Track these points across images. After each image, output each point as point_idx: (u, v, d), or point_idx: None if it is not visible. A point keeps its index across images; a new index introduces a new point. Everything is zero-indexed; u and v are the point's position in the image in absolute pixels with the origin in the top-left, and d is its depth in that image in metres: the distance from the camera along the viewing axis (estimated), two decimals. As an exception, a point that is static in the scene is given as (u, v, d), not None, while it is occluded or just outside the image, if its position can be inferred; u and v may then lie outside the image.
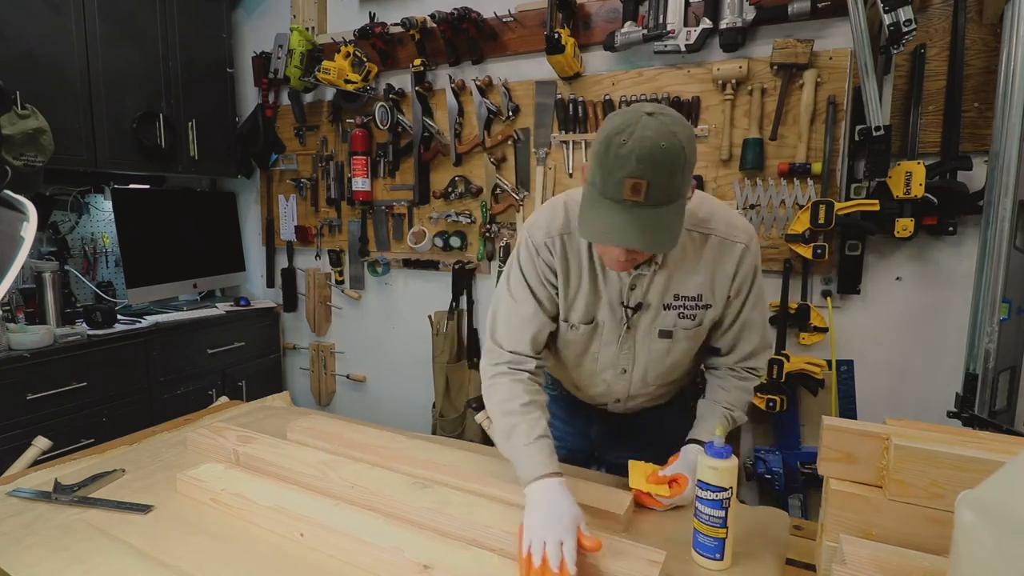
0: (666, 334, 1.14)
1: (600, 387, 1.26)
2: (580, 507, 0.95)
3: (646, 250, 0.97)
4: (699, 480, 0.92)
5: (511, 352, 1.16)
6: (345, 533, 0.96)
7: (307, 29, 2.82)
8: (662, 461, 1.16)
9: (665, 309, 1.12)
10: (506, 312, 1.18)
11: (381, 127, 2.68)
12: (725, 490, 0.90)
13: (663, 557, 0.88)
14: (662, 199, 0.90)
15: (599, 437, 1.40)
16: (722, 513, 0.90)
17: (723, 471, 0.90)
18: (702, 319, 1.13)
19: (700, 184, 2.15)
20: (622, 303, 1.12)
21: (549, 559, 0.86)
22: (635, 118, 0.89)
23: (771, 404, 2.06)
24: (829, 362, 2.06)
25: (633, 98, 2.20)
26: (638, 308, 1.12)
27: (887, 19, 1.59)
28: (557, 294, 1.15)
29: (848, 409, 2.10)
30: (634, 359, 1.19)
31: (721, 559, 0.92)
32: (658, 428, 1.33)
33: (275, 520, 1.02)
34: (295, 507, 1.03)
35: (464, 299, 2.70)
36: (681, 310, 1.12)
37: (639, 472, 1.12)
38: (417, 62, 2.55)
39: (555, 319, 1.18)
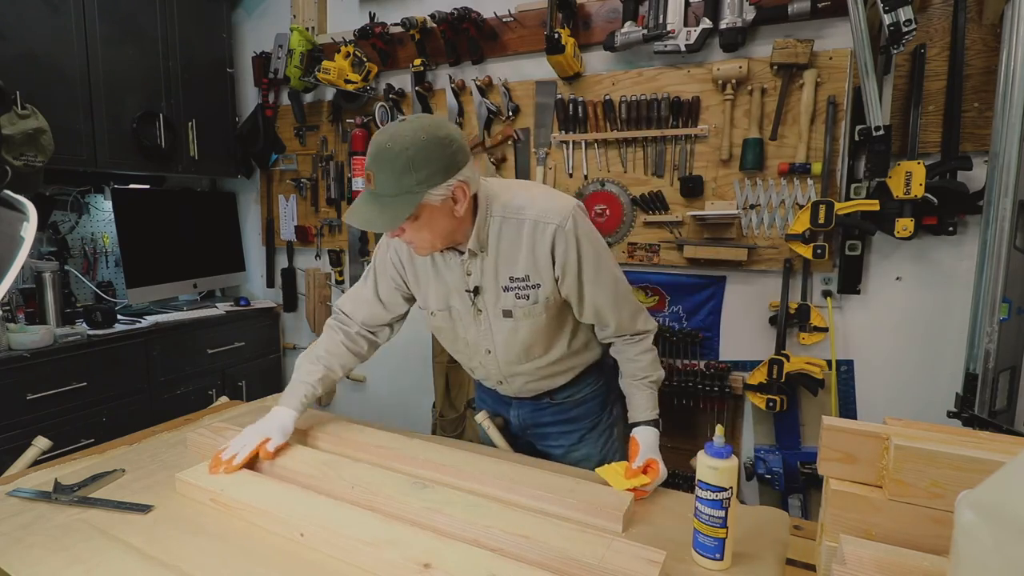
0: (508, 313, 1.28)
1: (480, 369, 1.44)
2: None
3: (361, 227, 1.18)
4: (699, 480, 0.92)
5: (346, 313, 1.45)
6: (345, 533, 0.96)
7: (307, 29, 2.82)
8: (583, 441, 1.45)
9: (505, 291, 1.26)
10: (356, 288, 1.45)
11: (381, 127, 2.68)
12: (725, 490, 0.90)
13: (663, 557, 0.88)
14: (390, 191, 1.09)
15: (520, 421, 1.51)
16: (722, 513, 0.90)
17: (723, 471, 0.90)
18: (536, 298, 1.25)
19: (700, 184, 2.15)
20: (466, 290, 1.28)
21: (237, 448, 1.19)
22: (395, 124, 1.10)
23: (771, 404, 2.07)
24: (829, 362, 2.06)
25: (633, 98, 2.20)
26: (477, 292, 1.28)
27: (887, 19, 1.59)
28: (405, 284, 1.38)
29: (848, 409, 2.10)
30: (492, 339, 1.33)
31: (721, 559, 0.92)
32: (571, 411, 1.48)
33: (275, 520, 1.02)
34: (295, 507, 1.03)
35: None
36: (516, 291, 1.26)
37: (614, 473, 1.17)
38: (417, 62, 2.55)
39: (395, 308, 1.42)
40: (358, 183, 2.75)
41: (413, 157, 1.07)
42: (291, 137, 3.01)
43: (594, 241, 1.25)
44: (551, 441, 1.50)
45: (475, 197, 1.21)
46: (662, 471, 1.19)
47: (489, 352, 1.36)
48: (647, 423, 1.30)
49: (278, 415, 1.28)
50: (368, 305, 1.43)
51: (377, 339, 1.48)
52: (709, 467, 0.91)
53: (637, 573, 0.86)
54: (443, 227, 1.18)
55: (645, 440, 1.26)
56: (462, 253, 1.25)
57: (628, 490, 1.12)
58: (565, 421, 1.47)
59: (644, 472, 1.18)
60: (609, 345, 1.41)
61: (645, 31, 2.10)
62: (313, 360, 1.39)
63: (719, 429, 0.94)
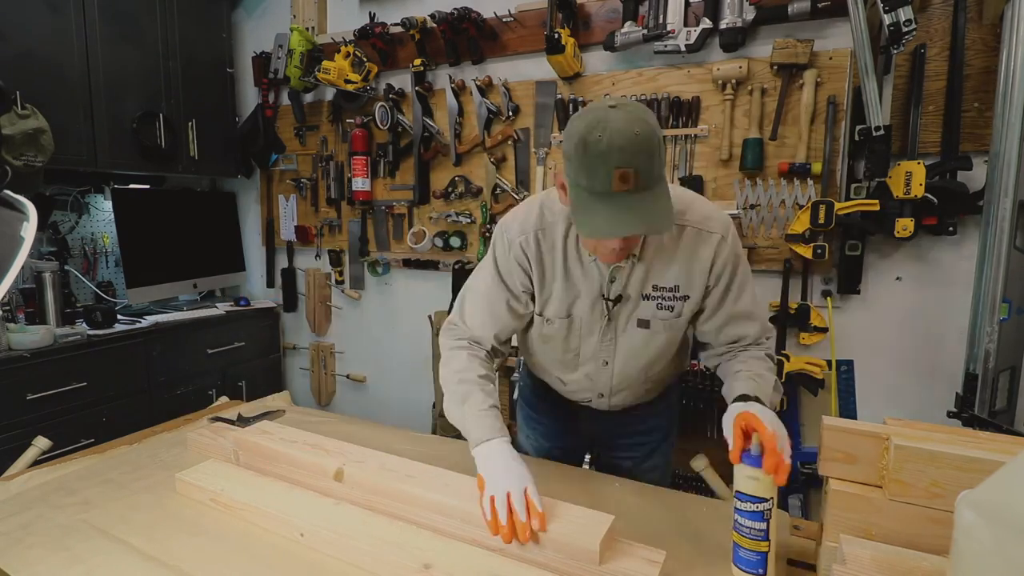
0: (644, 323, 1.16)
1: (583, 381, 1.28)
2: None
3: (652, 233, 1.01)
4: (738, 491, 0.88)
5: (476, 335, 1.22)
6: (345, 533, 0.96)
7: (307, 29, 2.82)
8: (654, 453, 1.34)
9: (644, 299, 1.15)
10: (478, 301, 1.22)
11: (381, 127, 2.68)
12: (766, 501, 0.86)
13: (663, 557, 0.88)
14: (649, 183, 0.93)
15: (590, 433, 1.42)
16: (764, 525, 0.86)
17: (764, 481, 0.85)
18: (680, 310, 1.15)
19: (700, 184, 2.15)
20: (602, 295, 1.15)
21: (515, 507, 0.92)
22: (602, 114, 0.92)
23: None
24: (829, 362, 2.06)
25: (633, 98, 2.21)
26: (618, 300, 1.15)
27: (887, 19, 1.59)
28: (532, 290, 1.19)
29: (848, 409, 2.10)
30: (615, 350, 1.21)
31: (764, 574, 0.87)
32: (648, 422, 1.39)
33: (275, 520, 1.02)
34: (295, 507, 1.03)
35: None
36: (659, 300, 1.14)
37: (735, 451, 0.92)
38: (417, 62, 2.55)
39: (524, 316, 1.23)
40: (358, 183, 2.74)
41: (661, 138, 0.94)
42: (291, 137, 3.01)
43: (744, 255, 1.17)
44: (622, 452, 1.42)
45: None
46: (768, 425, 0.91)
47: (607, 364, 1.23)
48: (740, 399, 1.01)
49: (509, 456, 1.02)
50: (500, 318, 1.21)
51: (503, 354, 1.28)
52: (749, 477, 0.86)
53: (637, 573, 0.86)
54: None
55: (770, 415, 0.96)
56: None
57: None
58: (641, 432, 1.39)
59: (748, 435, 0.91)
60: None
61: (645, 31, 2.10)
62: (478, 382, 1.14)
63: (757, 437, 0.87)
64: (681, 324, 1.17)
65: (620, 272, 1.13)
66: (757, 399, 1.01)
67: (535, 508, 0.92)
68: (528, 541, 0.90)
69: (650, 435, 1.40)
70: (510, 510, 0.92)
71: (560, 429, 1.44)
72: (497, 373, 1.31)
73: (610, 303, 1.15)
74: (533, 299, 1.21)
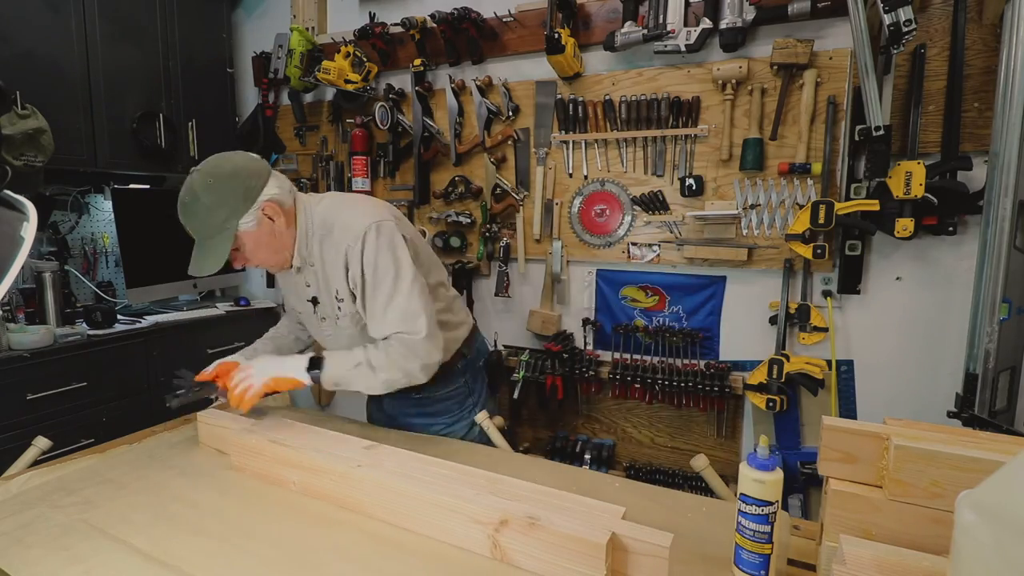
0: (339, 319, 1.42)
1: None
2: None
3: (198, 274, 1.32)
4: (742, 494, 0.87)
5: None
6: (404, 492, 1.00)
7: (307, 29, 2.82)
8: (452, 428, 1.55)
9: (337, 300, 1.39)
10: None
11: (381, 127, 2.68)
12: (771, 504, 0.85)
13: (669, 540, 0.86)
14: (204, 234, 1.30)
15: (390, 409, 1.61)
16: (768, 528, 0.85)
17: (769, 484, 0.84)
18: (346, 310, 1.39)
19: (700, 184, 2.15)
20: (307, 299, 1.46)
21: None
22: (188, 177, 1.29)
23: (771, 404, 2.07)
24: (829, 362, 2.06)
25: (633, 98, 2.20)
26: (315, 302, 1.45)
27: (887, 19, 1.59)
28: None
29: (848, 409, 2.10)
30: (341, 342, 1.46)
31: None
32: (432, 403, 1.55)
33: (324, 473, 1.09)
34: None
35: (464, 299, 2.70)
36: (340, 304, 1.39)
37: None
38: (417, 62, 2.55)
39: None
40: (358, 183, 2.75)
41: (209, 203, 1.26)
42: (291, 137, 3.01)
43: (388, 252, 1.32)
44: (416, 431, 1.54)
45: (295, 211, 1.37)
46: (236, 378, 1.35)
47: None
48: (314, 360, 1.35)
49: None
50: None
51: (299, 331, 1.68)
52: (754, 480, 0.85)
53: (651, 540, 0.85)
54: (274, 243, 1.34)
55: (279, 360, 1.40)
56: (293, 268, 1.42)
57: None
58: (428, 414, 1.56)
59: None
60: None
61: (645, 31, 2.10)
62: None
63: (763, 439, 0.87)
64: (356, 322, 1.40)
65: (309, 277, 1.42)
66: (318, 358, 1.35)
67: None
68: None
69: (436, 417, 1.55)
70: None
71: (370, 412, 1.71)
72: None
73: (310, 303, 1.46)
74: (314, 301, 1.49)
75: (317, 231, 1.36)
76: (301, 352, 1.66)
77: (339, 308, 1.40)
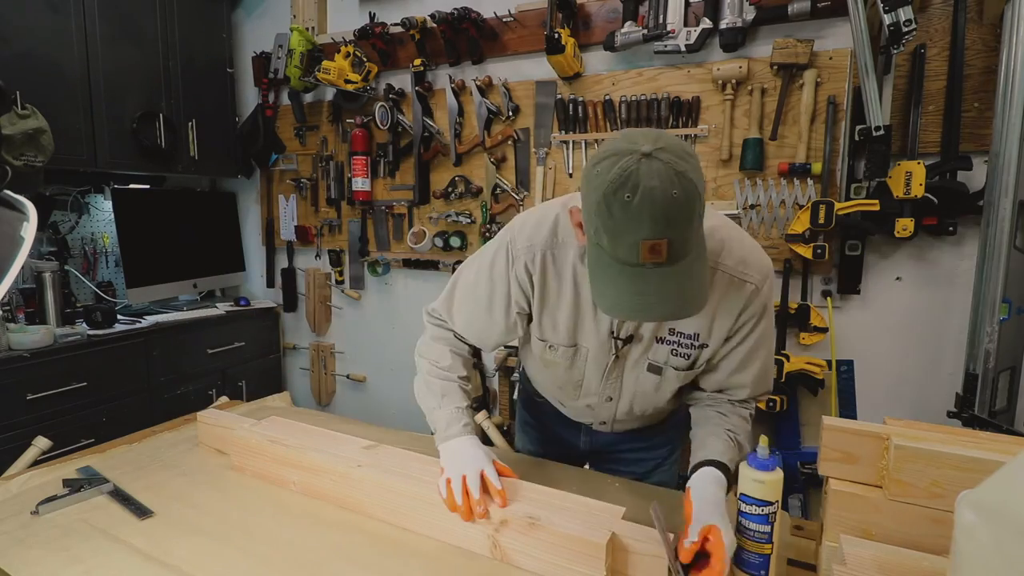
0: (656, 369, 1.07)
1: (583, 410, 1.23)
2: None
3: (679, 318, 0.91)
4: (742, 494, 0.86)
5: (459, 332, 1.18)
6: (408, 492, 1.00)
7: (307, 29, 2.82)
8: (658, 469, 1.27)
9: (658, 342, 1.04)
10: (466, 302, 1.15)
11: (381, 127, 2.68)
12: (771, 504, 0.84)
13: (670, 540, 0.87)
14: (684, 252, 0.79)
15: (588, 446, 1.34)
16: (768, 528, 0.85)
17: (769, 484, 0.84)
18: (696, 358, 1.04)
19: (700, 184, 2.15)
20: (611, 332, 1.05)
21: (470, 487, 0.95)
22: (633, 166, 0.75)
23: (771, 404, 2.06)
24: (829, 362, 2.06)
25: (633, 98, 2.20)
26: (629, 340, 1.05)
27: (887, 19, 1.59)
28: (528, 311, 1.10)
29: (848, 409, 2.10)
30: (620, 389, 1.13)
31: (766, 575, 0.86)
32: (652, 440, 1.31)
33: (334, 461, 1.08)
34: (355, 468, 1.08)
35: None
36: (675, 347, 1.03)
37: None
38: (417, 62, 2.55)
39: (513, 333, 1.14)
40: (358, 183, 2.74)
41: (702, 191, 0.79)
42: (291, 137, 3.01)
43: (772, 307, 1.05)
44: (622, 467, 1.31)
45: None
46: (727, 541, 0.82)
47: (610, 400, 1.15)
48: (712, 464, 0.96)
49: (472, 446, 1.05)
50: (482, 331, 1.15)
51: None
52: (754, 480, 0.84)
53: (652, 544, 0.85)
54: None
55: (703, 493, 0.91)
56: None
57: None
58: (644, 449, 1.30)
59: (704, 547, 0.83)
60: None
61: (645, 31, 2.10)
62: (460, 381, 1.15)
63: (764, 440, 0.86)
64: (694, 373, 1.08)
65: None
66: (725, 466, 0.96)
67: (493, 487, 0.96)
68: (484, 517, 0.94)
69: (653, 451, 1.31)
70: (466, 492, 0.95)
71: (555, 438, 1.38)
72: (478, 370, 1.40)
73: (619, 341, 1.05)
74: (530, 319, 1.11)
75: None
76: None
77: (676, 354, 1.04)
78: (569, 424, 1.32)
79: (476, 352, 1.26)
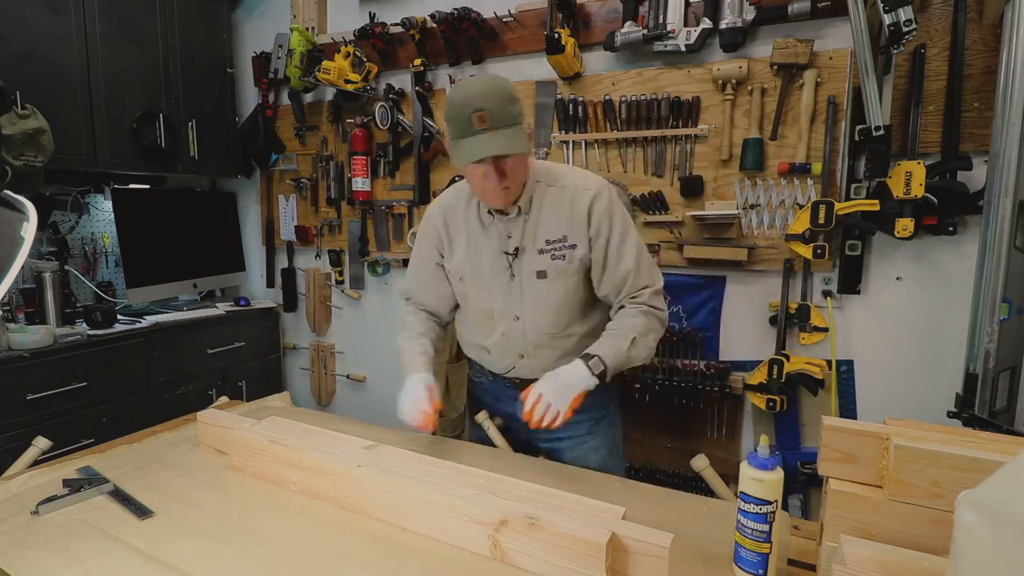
0: (542, 274, 1.35)
1: (501, 342, 1.44)
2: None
3: (502, 152, 1.18)
4: (742, 492, 0.88)
5: (421, 301, 1.54)
6: (403, 492, 1.00)
7: (307, 29, 2.82)
8: (592, 434, 1.49)
9: (540, 254, 1.34)
10: (413, 265, 1.54)
11: (381, 127, 2.68)
12: (770, 503, 0.86)
13: (669, 540, 0.87)
14: (504, 122, 1.17)
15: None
16: (767, 527, 0.86)
17: (769, 483, 0.85)
18: (571, 257, 1.34)
19: (700, 184, 2.15)
20: (504, 252, 1.36)
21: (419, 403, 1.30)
22: (466, 82, 1.22)
23: (771, 404, 2.07)
24: (829, 362, 2.06)
25: (633, 98, 2.20)
26: (516, 253, 1.36)
27: (887, 19, 1.59)
28: (441, 254, 1.46)
29: (848, 409, 2.10)
30: (523, 303, 1.38)
31: (764, 575, 0.88)
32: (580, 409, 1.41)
33: (323, 473, 1.08)
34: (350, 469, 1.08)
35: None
36: (552, 252, 1.34)
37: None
38: (417, 62, 2.55)
39: (447, 284, 1.48)
40: (358, 183, 2.74)
41: (510, 92, 1.19)
42: (291, 137, 3.01)
43: (623, 212, 1.36)
44: (560, 433, 1.42)
45: None
46: (536, 390, 1.25)
47: (518, 319, 1.39)
48: (586, 357, 1.28)
49: (420, 380, 1.35)
50: (429, 283, 1.50)
51: (442, 316, 1.57)
52: (753, 479, 0.86)
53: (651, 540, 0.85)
54: (523, 174, 1.28)
55: (557, 374, 1.27)
56: (505, 215, 1.34)
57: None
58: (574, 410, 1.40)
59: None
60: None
61: (645, 31, 2.10)
62: (418, 335, 1.47)
63: (764, 439, 0.88)
64: (573, 271, 1.35)
65: (514, 228, 1.35)
66: (589, 355, 1.28)
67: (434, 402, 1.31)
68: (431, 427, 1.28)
69: (585, 412, 1.40)
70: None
71: (499, 414, 1.56)
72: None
73: (510, 256, 1.36)
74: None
75: (542, 178, 1.35)
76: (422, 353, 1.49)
77: (555, 258, 1.33)
78: (501, 388, 1.54)
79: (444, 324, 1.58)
